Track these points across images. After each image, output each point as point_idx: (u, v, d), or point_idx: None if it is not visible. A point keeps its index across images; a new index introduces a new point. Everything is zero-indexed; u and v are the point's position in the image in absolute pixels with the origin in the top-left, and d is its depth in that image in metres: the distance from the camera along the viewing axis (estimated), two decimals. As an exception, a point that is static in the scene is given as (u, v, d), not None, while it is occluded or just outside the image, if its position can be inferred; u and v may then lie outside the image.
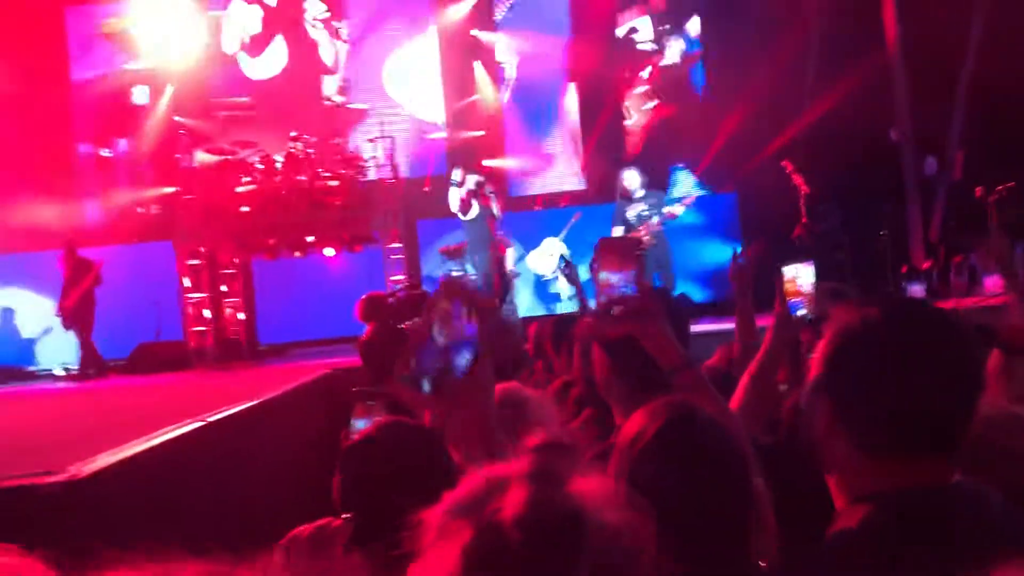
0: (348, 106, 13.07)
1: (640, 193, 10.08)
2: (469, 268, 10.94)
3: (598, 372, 2.33)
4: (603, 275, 2.01)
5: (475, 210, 10.68)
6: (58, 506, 2.90)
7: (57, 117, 12.90)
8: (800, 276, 2.57)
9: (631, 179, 10.12)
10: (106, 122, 13.27)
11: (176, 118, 12.51)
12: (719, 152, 12.43)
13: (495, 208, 10.51)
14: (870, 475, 1.33)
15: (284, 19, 13.17)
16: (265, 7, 13.18)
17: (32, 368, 11.79)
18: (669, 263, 10.07)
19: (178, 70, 12.83)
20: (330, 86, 13.15)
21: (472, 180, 10.78)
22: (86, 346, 10.29)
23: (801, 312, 2.53)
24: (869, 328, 1.35)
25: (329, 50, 13.14)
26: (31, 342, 12.01)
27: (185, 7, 12.67)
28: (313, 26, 13.04)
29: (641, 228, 9.79)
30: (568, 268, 4.69)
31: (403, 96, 13.57)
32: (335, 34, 13.11)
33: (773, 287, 2.50)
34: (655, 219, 9.84)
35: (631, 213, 10.01)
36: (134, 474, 3.41)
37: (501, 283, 10.75)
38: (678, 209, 9.94)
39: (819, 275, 2.54)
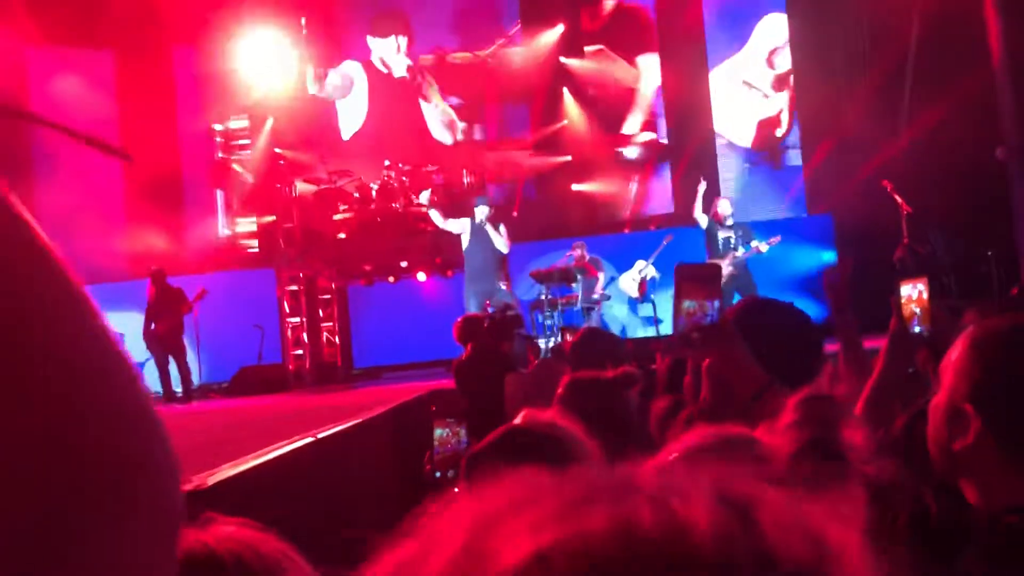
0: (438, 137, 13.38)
1: (730, 221, 10.04)
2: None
3: (701, 392, 2.32)
4: (686, 303, 2.01)
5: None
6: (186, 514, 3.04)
7: (164, 150, 13.54)
8: (914, 293, 2.52)
9: (724, 206, 10.10)
10: (211, 154, 13.89)
11: (276, 150, 12.99)
12: (814, 173, 12.23)
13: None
14: (1021, 486, 1.31)
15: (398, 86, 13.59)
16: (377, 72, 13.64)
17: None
18: (754, 291, 9.94)
19: (277, 104, 13.35)
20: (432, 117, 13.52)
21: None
22: (181, 370, 10.62)
23: (917, 329, 2.47)
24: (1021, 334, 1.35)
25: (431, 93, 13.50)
26: (139, 366, 12.57)
27: (285, 45, 13.19)
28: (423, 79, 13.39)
29: (727, 256, 9.73)
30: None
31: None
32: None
33: (869, 308, 2.44)
34: (740, 251, 9.82)
35: (720, 237, 9.95)
36: (252, 485, 3.55)
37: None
38: (763, 247, 9.92)
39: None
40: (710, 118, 13.26)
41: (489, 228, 9.62)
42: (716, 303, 1.96)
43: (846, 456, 1.06)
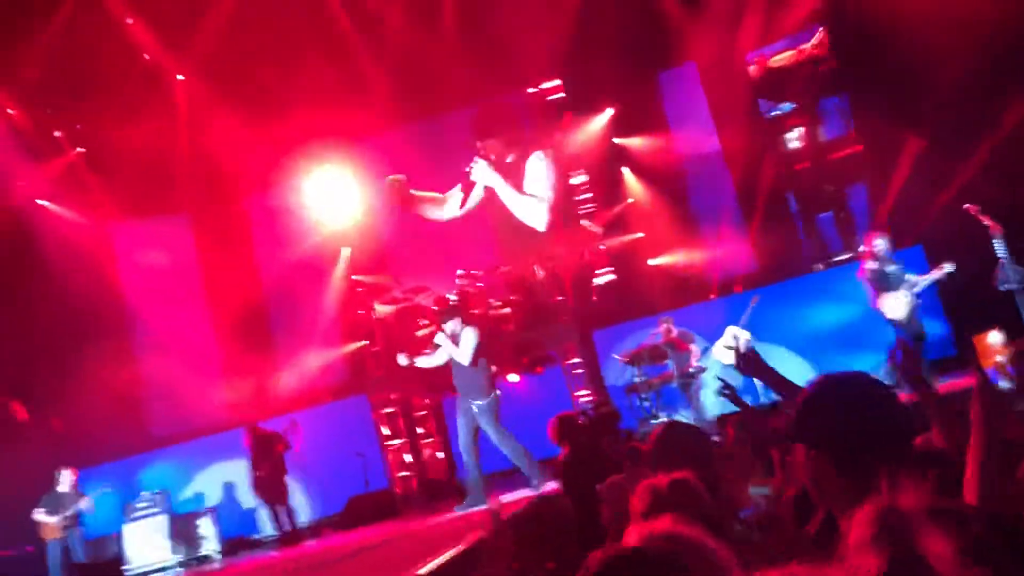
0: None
1: (889, 258, 9.46)
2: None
3: (807, 475, 2.13)
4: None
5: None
6: None
7: (249, 293, 14.02)
8: (993, 341, 2.29)
9: (881, 243, 9.53)
10: (293, 289, 14.32)
11: (353, 276, 13.28)
12: (893, 207, 11.82)
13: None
14: None
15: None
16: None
17: (257, 536, 12.37)
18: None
19: (350, 232, 13.80)
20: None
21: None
22: (288, 513, 10.69)
23: (1004, 385, 2.21)
24: None
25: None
26: (252, 511, 12.59)
27: (352, 177, 13.75)
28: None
29: (900, 287, 9.21)
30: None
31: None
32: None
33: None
34: (918, 278, 9.26)
35: (889, 270, 9.39)
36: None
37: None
38: (945, 269, 9.26)
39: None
40: (780, 167, 13.04)
41: (463, 336, 8.63)
42: None
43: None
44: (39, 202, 13.35)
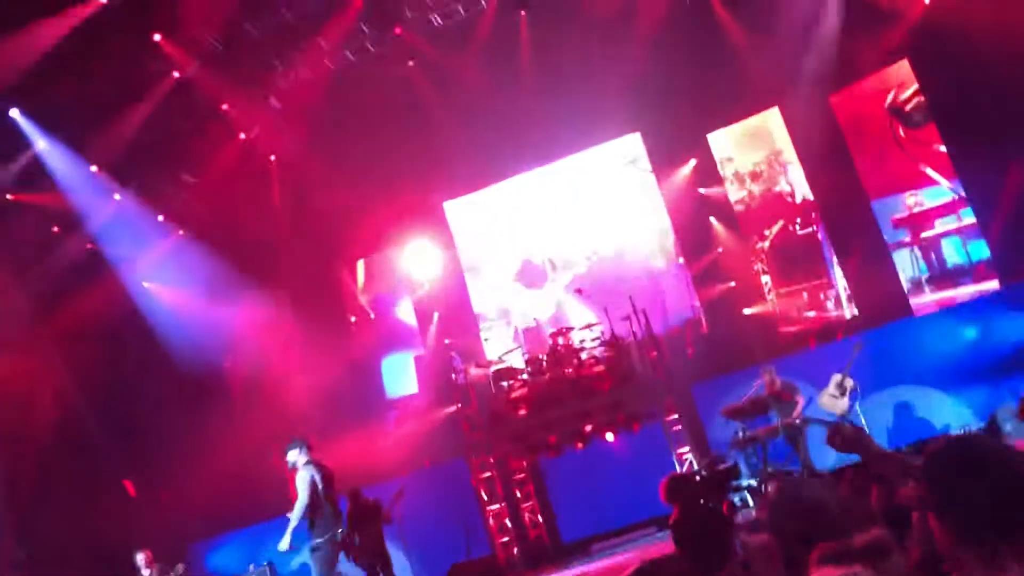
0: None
1: None
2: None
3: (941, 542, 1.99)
4: None
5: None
6: None
7: (347, 362, 14.28)
8: None
9: None
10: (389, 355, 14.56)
11: (445, 341, 13.38)
12: (1000, 240, 11.32)
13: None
14: None
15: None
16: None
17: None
18: None
19: (441, 296, 14.03)
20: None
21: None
22: None
23: None
24: None
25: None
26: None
27: (436, 247, 14.04)
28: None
29: None
30: (839, 436, 3.68)
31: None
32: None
33: None
34: None
35: None
36: None
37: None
38: None
39: None
40: (869, 207, 12.67)
41: (300, 471, 8.19)
42: None
43: None
44: (145, 284, 13.96)
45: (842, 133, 12.75)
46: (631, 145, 14.09)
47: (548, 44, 12.74)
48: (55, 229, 13.05)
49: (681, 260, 13.63)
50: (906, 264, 12.63)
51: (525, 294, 13.46)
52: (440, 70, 13.04)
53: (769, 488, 9.11)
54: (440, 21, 12.61)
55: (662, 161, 13.81)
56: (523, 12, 12.79)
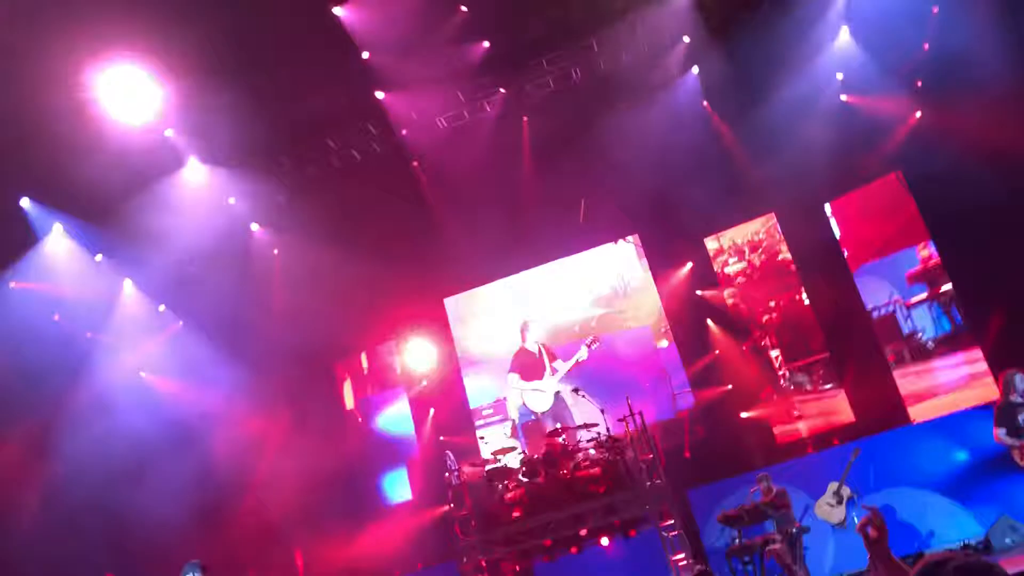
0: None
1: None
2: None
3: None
4: None
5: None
6: None
7: (336, 458, 14.14)
8: None
9: (1020, 380, 9.03)
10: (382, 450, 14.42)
11: (440, 438, 13.29)
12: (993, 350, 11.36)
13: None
14: None
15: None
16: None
17: None
18: None
19: (437, 392, 14.00)
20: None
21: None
22: None
23: None
24: None
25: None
26: None
27: (433, 343, 14.08)
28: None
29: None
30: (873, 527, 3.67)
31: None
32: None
33: None
34: None
35: (1020, 416, 8.94)
36: None
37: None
38: None
39: None
40: (867, 316, 12.76)
41: None
42: None
43: None
44: (142, 374, 13.95)
45: (838, 242, 12.96)
46: (628, 248, 14.30)
47: (549, 148, 13.10)
48: (55, 317, 13.13)
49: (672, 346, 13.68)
50: (926, 322, 12.49)
51: (523, 386, 13.41)
52: (443, 171, 13.37)
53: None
54: (445, 124, 12.99)
55: (659, 263, 14.00)
56: (525, 118, 13.18)
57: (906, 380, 12.46)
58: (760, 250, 13.71)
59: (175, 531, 12.30)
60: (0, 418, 12.11)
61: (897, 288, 12.74)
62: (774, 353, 13.35)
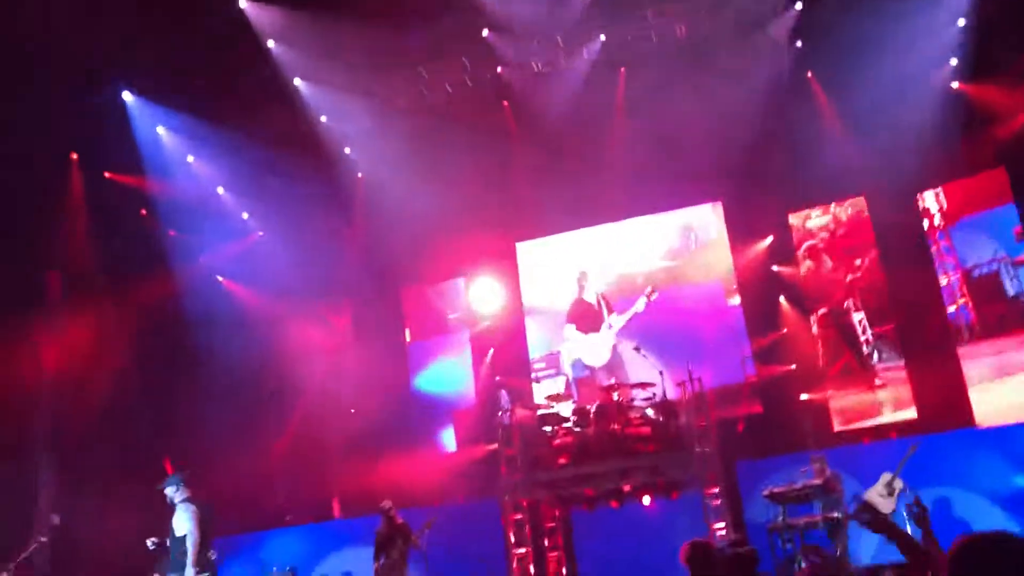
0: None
1: None
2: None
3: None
4: None
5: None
6: None
7: (398, 381, 14.44)
8: None
9: None
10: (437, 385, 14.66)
11: (497, 378, 13.44)
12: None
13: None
14: None
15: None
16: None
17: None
18: None
19: (499, 335, 14.13)
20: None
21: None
22: None
23: None
24: None
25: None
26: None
27: (501, 285, 14.16)
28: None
29: None
30: (919, 509, 3.89)
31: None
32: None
33: None
34: None
35: None
36: None
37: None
38: None
39: None
40: (943, 309, 12.41)
41: (179, 508, 8.02)
42: None
43: None
44: (219, 278, 14.40)
45: (925, 233, 12.57)
46: (710, 214, 14.11)
47: (642, 103, 12.90)
48: (143, 212, 13.57)
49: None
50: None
51: (579, 338, 13.39)
52: (533, 114, 13.30)
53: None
54: (540, 68, 12.89)
55: (739, 233, 13.78)
56: (623, 69, 12.99)
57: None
58: (842, 232, 13.38)
59: (222, 433, 12.75)
60: (78, 304, 12.63)
61: (1002, 245, 12.19)
62: (857, 317, 12.99)
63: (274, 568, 12.21)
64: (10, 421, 11.59)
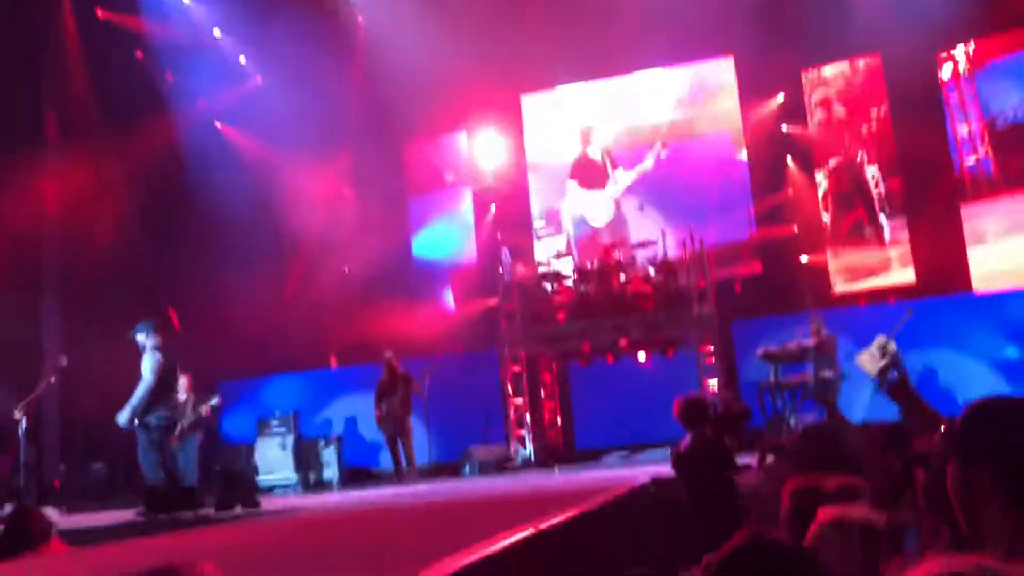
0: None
1: None
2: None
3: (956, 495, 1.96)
4: None
5: None
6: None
7: (397, 234, 14.45)
8: None
9: None
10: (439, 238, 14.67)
11: (498, 235, 13.42)
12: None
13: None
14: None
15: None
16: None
17: (377, 470, 12.76)
18: None
19: (502, 191, 14.01)
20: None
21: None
22: (407, 450, 10.88)
23: None
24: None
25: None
26: (375, 446, 12.90)
27: (504, 139, 13.90)
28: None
29: None
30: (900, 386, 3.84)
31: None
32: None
33: None
34: None
35: None
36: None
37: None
38: None
39: None
40: (951, 170, 12.23)
41: (145, 354, 7.87)
42: None
43: None
44: (217, 124, 14.13)
45: (945, 84, 12.23)
46: (722, 69, 13.68)
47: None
48: (138, 54, 13.17)
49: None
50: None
51: (581, 195, 13.24)
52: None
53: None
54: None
55: (750, 90, 13.41)
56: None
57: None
58: (859, 82, 13.01)
59: (229, 283, 12.83)
60: (80, 148, 12.44)
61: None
62: (871, 171, 12.81)
63: (276, 412, 12.58)
64: (16, 262, 11.65)
